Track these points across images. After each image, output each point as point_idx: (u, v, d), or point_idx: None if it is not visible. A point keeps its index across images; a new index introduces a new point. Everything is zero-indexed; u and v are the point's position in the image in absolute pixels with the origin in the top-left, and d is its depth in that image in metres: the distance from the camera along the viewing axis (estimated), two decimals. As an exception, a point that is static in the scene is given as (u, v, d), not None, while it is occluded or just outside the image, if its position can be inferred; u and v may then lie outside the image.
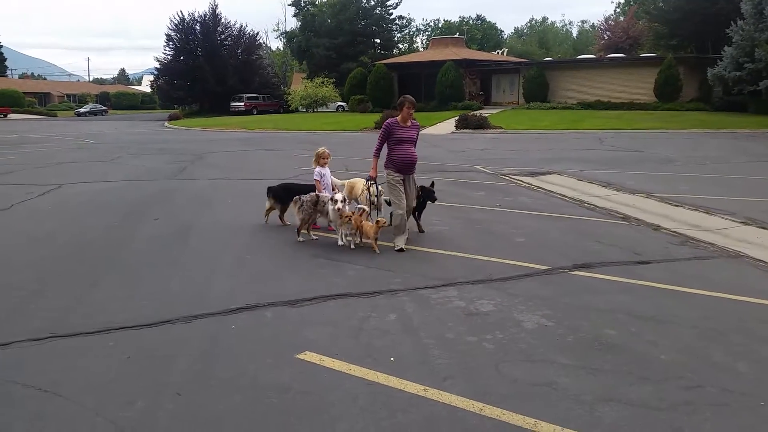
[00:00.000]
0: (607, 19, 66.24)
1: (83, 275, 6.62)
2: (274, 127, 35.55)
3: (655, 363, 4.28)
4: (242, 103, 54.29)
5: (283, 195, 8.92)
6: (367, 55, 62.07)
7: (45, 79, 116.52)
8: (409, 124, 7.72)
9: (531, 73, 42.75)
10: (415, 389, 3.94)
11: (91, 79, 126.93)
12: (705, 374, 4.08)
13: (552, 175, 14.32)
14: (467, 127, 29.57)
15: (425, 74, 45.75)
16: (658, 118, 30.56)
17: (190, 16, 59.94)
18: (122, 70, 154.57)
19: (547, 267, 6.69)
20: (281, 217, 9.08)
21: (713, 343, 4.61)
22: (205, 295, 5.92)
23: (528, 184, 13.08)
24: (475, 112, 33.36)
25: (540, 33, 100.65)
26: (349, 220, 7.54)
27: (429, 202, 8.50)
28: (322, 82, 50.91)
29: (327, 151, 8.83)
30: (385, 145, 7.79)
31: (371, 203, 8.27)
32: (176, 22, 59.49)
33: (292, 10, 72.75)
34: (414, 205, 8.07)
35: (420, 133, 8.06)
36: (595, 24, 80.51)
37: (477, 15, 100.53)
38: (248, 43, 62.23)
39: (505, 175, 14.38)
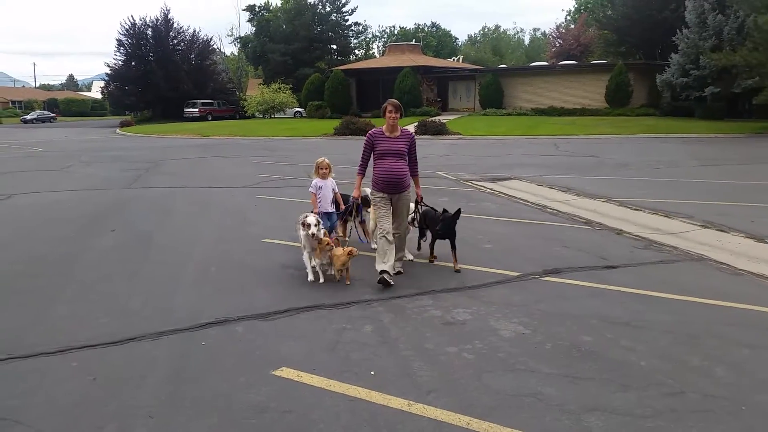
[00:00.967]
0: (558, 27, 67.71)
1: (38, 291, 6.29)
2: (230, 134, 34.96)
3: (635, 369, 4.30)
4: (196, 109, 53.25)
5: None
6: (324, 60, 61.85)
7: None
8: (397, 134, 6.53)
9: (486, 79, 43.28)
10: (398, 404, 3.83)
11: (37, 85, 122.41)
12: (685, 380, 4.10)
13: (513, 181, 14.46)
14: (426, 132, 29.69)
15: (383, 80, 45.78)
16: (610, 124, 31.34)
17: (141, 20, 58.58)
18: (71, 76, 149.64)
19: (518, 273, 6.70)
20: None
21: (689, 347, 4.66)
22: (170, 309, 5.68)
23: (491, 189, 13.16)
24: (433, 118, 33.57)
25: (493, 40, 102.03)
26: (331, 247, 6.49)
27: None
28: (279, 88, 50.39)
29: (326, 160, 7.87)
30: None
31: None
32: (127, 27, 58.04)
33: (246, 15, 72.11)
34: (407, 229, 7.09)
35: (414, 144, 6.71)
36: (547, 32, 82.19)
37: (432, 22, 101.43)
38: (202, 48, 61.17)
39: (467, 181, 14.44)
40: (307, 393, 4.00)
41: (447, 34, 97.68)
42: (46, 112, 73.42)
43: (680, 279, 6.47)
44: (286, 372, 4.29)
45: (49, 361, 4.56)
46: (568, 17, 78.72)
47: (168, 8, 59.07)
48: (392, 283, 6.24)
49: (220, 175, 16.47)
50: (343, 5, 64.39)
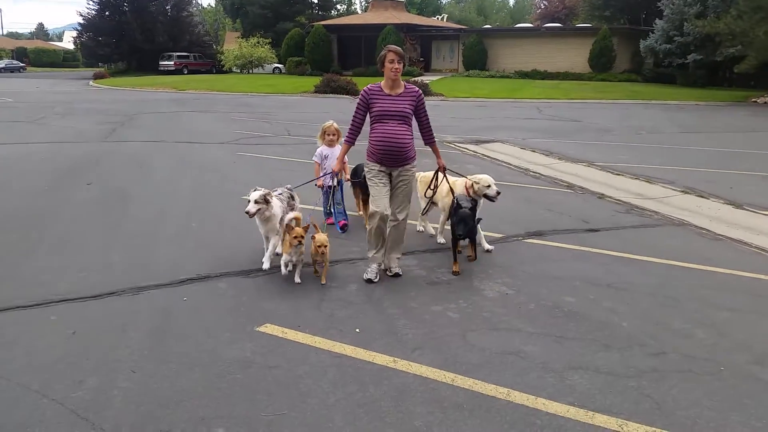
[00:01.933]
0: (543, -12, 66.94)
1: (13, 245, 6.12)
2: (207, 88, 34.18)
3: (618, 330, 4.35)
4: (172, 62, 51.82)
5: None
6: (305, 15, 60.33)
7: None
8: (399, 90, 5.19)
9: (471, 40, 42.76)
10: (384, 361, 3.84)
11: (4, 33, 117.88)
12: (666, 341, 4.17)
13: (496, 143, 14.41)
14: (408, 93, 29.31)
15: (365, 37, 44.91)
16: (593, 89, 31.30)
17: (115, -33, 56.38)
18: (41, 25, 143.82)
19: (501, 235, 6.71)
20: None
21: (670, 310, 4.72)
22: (151, 264, 5.59)
23: (473, 152, 13.09)
24: (416, 79, 33.11)
25: (478, 0, 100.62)
26: (300, 240, 5.07)
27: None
28: (258, 42, 49.12)
29: (335, 125, 6.79)
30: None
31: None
32: (100, -26, 55.87)
33: (224, -36, 69.71)
34: (403, 212, 5.37)
35: (423, 104, 5.35)
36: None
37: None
38: (178, -2, 59.27)
39: (449, 143, 14.34)
40: (292, 349, 3.98)
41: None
42: (14, 62, 70.78)
43: (661, 243, 6.54)
44: (270, 328, 4.25)
45: (28, 314, 4.46)
46: (554, -21, 77.71)
47: (144, -44, 56.52)
48: (376, 281, 5.25)
49: (198, 130, 16.13)
50: (326, -42, 62.68)
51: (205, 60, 55.47)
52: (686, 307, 4.78)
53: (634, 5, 44.14)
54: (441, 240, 6.45)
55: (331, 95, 29.46)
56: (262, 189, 5.27)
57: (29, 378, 3.57)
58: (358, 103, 5.27)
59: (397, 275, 5.40)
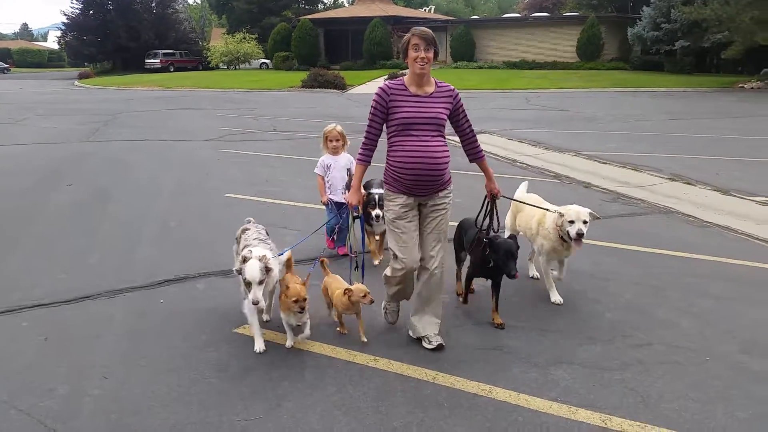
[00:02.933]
0: (530, -23, 66.66)
1: (-12, 248, 5.99)
2: (193, 85, 33.90)
3: (602, 321, 4.28)
4: (158, 60, 51.28)
5: None
6: (291, 9, 59.91)
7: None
8: (430, 89, 3.82)
9: (458, 31, 42.57)
10: (364, 360, 3.75)
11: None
12: (652, 331, 4.10)
13: (483, 135, 14.28)
14: (396, 85, 29.17)
15: (352, 31, 44.66)
16: (581, 78, 31.25)
17: (98, -35, 55.73)
18: (25, 25, 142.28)
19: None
20: None
21: (655, 299, 4.66)
22: (128, 266, 5.47)
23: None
24: (404, 71, 32.94)
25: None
26: (302, 305, 3.75)
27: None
28: (244, 38, 48.80)
29: (338, 129, 5.64)
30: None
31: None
32: (83, -27, 55.23)
33: (209, -40, 69.13)
34: (437, 258, 3.95)
35: (462, 105, 4.04)
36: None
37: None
38: (163, -5, 58.72)
39: (437, 134, 14.23)
40: (270, 350, 3.88)
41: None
42: (-1, 63, 70.13)
43: (648, 231, 6.48)
44: (248, 330, 4.15)
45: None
46: (541, -32, 77.48)
47: (127, -47, 55.90)
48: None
49: (183, 128, 15.96)
50: (311, -49, 62.25)
51: (191, 57, 55.00)
52: (671, 296, 4.72)
53: (622, -8, 44.09)
54: (557, 299, 4.63)
55: (318, 90, 29.27)
56: (252, 254, 3.73)
57: (-4, 387, 3.45)
58: (373, 108, 3.87)
59: (440, 347, 3.88)
